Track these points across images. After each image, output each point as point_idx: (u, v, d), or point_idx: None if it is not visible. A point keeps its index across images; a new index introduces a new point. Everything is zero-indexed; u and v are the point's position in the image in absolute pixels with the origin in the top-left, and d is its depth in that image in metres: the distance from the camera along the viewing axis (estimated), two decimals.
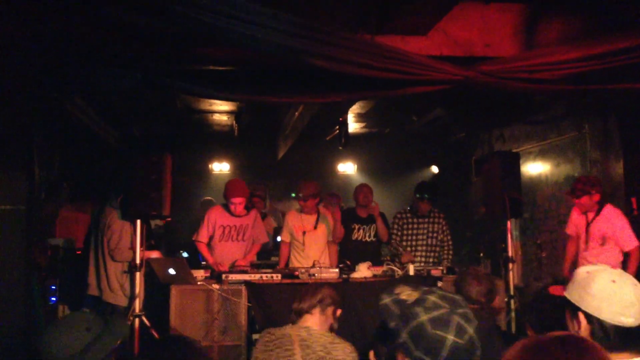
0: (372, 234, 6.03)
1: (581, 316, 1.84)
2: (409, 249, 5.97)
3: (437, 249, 6.07)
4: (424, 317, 1.42)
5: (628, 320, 1.75)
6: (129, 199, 4.57)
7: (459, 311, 1.46)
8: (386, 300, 1.54)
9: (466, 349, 1.42)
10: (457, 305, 1.47)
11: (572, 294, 1.89)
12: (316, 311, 2.98)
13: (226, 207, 5.48)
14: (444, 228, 6.10)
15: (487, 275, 3.57)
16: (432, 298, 1.48)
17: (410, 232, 6.04)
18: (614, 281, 1.80)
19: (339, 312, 3.09)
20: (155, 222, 6.52)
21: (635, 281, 1.82)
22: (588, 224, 5.24)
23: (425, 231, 6.04)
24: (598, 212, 5.18)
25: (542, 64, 4.00)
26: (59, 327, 1.95)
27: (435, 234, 6.05)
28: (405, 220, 6.07)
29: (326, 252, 5.79)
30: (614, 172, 5.95)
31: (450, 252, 6.12)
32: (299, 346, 2.77)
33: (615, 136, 5.95)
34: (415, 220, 6.06)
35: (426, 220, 6.05)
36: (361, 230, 6.01)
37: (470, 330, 1.43)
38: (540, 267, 7.02)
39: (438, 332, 1.41)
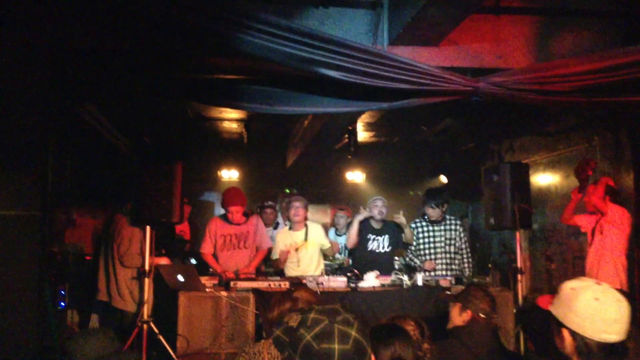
0: (386, 244, 5.99)
1: (565, 332, 1.87)
2: (427, 257, 5.88)
3: (458, 256, 5.94)
4: (308, 337, 1.44)
5: (610, 337, 1.78)
6: (139, 205, 4.60)
7: (338, 319, 1.47)
8: (276, 332, 1.56)
9: (354, 352, 1.44)
10: (335, 314, 1.49)
11: (557, 310, 1.91)
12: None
13: (224, 217, 5.54)
14: (461, 235, 5.99)
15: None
16: (311, 315, 1.49)
17: (427, 239, 5.95)
18: (597, 299, 1.81)
19: None
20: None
21: (619, 296, 1.84)
22: (597, 221, 5.42)
23: (443, 238, 5.91)
24: (605, 211, 5.33)
25: (553, 76, 4.00)
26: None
27: (452, 241, 5.92)
28: (421, 229, 6.00)
29: (321, 265, 5.84)
30: (624, 185, 5.92)
31: (469, 259, 6.00)
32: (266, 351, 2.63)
33: (626, 148, 5.93)
34: (430, 227, 5.98)
35: (442, 227, 5.95)
36: (375, 242, 5.98)
37: (353, 332, 1.45)
38: (549, 278, 6.99)
39: (323, 345, 1.42)
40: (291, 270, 5.74)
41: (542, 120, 7.10)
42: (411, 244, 5.98)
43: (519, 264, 5.40)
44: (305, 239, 5.77)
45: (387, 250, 5.96)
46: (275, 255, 5.79)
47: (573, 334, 1.84)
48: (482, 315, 3.19)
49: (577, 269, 6.32)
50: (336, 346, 1.42)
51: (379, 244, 5.95)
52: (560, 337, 1.90)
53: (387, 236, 5.96)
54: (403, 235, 5.92)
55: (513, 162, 5.72)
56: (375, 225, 6.01)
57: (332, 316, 1.48)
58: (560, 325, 1.88)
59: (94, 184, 7.16)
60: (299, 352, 1.43)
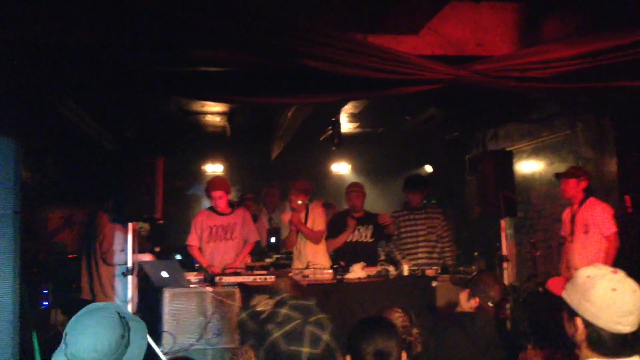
0: (369, 234, 5.98)
1: (578, 321, 1.82)
2: (410, 246, 5.90)
3: (439, 245, 5.94)
4: (276, 334, 1.39)
5: (625, 328, 1.74)
6: (121, 201, 4.54)
7: (311, 320, 1.41)
8: (242, 315, 1.50)
9: (323, 356, 1.38)
10: (309, 313, 1.43)
11: (571, 297, 1.85)
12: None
13: (211, 209, 5.48)
14: (443, 223, 6.00)
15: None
16: (283, 311, 1.43)
17: (409, 228, 5.95)
18: (614, 289, 1.76)
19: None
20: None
21: (636, 287, 1.79)
22: (573, 215, 5.30)
23: (425, 226, 5.92)
24: (582, 203, 5.25)
25: (534, 62, 3.99)
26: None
27: (433, 229, 5.93)
28: (402, 217, 6.01)
29: (322, 251, 5.80)
30: (608, 170, 5.95)
31: (451, 248, 6.02)
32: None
33: (610, 134, 5.95)
34: (411, 216, 5.98)
35: (423, 215, 5.96)
36: (357, 231, 5.97)
37: (325, 337, 1.40)
38: (534, 266, 7.02)
39: (292, 347, 1.37)
40: (295, 258, 5.75)
41: (526, 108, 7.11)
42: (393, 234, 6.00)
43: (504, 252, 5.41)
44: (305, 222, 5.74)
45: (370, 240, 5.96)
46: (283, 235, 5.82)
47: (586, 322, 1.79)
48: (490, 304, 3.17)
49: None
50: (306, 349, 1.36)
51: (361, 233, 5.95)
52: (571, 325, 1.85)
53: (370, 225, 5.96)
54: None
55: (497, 151, 5.73)
56: (356, 214, 6.00)
57: (305, 315, 1.42)
58: (574, 313, 1.83)
59: (76, 180, 7.07)
60: (264, 346, 1.39)
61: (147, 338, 1.98)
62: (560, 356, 2.04)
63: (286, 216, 5.85)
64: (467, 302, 3.23)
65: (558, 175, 5.50)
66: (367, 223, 6.00)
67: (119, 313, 1.93)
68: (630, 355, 1.75)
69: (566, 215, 5.46)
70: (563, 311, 1.89)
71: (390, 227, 5.97)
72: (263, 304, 1.47)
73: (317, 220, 5.79)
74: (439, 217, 6.00)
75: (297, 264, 5.66)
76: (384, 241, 6.32)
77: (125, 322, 1.94)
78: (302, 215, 5.73)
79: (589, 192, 5.29)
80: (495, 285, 3.25)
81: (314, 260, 5.46)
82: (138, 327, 1.98)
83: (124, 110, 7.06)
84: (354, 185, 6.28)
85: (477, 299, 3.18)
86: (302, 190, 5.72)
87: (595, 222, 5.12)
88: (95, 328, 1.84)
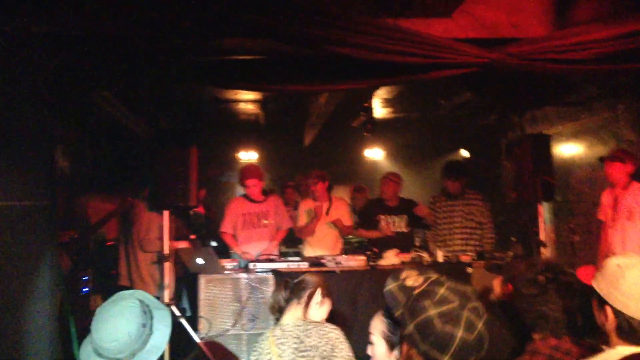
0: (404, 224, 5.92)
1: (608, 310, 1.82)
2: (445, 232, 5.80)
3: (478, 231, 5.77)
4: (432, 312, 1.38)
5: None
6: (156, 190, 4.62)
7: (469, 306, 1.41)
8: (391, 286, 1.50)
9: (475, 344, 1.38)
10: (467, 299, 1.43)
11: (601, 286, 1.86)
12: (293, 304, 2.81)
13: (245, 196, 5.53)
14: (482, 209, 5.81)
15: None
16: (441, 291, 1.43)
17: (445, 214, 5.83)
18: None
19: (321, 296, 2.87)
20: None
21: None
22: (616, 199, 5.10)
23: (461, 213, 5.76)
24: (626, 187, 5.02)
25: (571, 44, 3.86)
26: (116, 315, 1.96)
27: (471, 216, 5.77)
28: (439, 204, 5.88)
29: (339, 244, 5.84)
30: None
31: (491, 235, 5.84)
32: (274, 345, 2.63)
33: None
34: (449, 202, 5.84)
35: (460, 201, 5.81)
36: (390, 223, 5.91)
37: (480, 325, 1.39)
38: (573, 251, 6.86)
39: (447, 328, 1.37)
40: (306, 245, 5.76)
41: (564, 90, 6.90)
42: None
43: (541, 237, 5.30)
44: (327, 213, 5.77)
45: (405, 231, 5.91)
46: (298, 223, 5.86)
47: (616, 312, 1.80)
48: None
49: None
50: (460, 333, 1.37)
51: (394, 224, 5.90)
52: (601, 314, 1.87)
53: (404, 215, 5.91)
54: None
55: (534, 134, 5.59)
56: (390, 203, 5.95)
57: (464, 300, 1.43)
58: (603, 302, 1.84)
59: (113, 170, 7.22)
60: (417, 321, 1.39)
61: (170, 326, 2.03)
62: (570, 345, 2.02)
63: (305, 204, 5.89)
64: (500, 289, 3.18)
65: (602, 159, 5.29)
66: (402, 212, 5.94)
67: (143, 301, 1.98)
68: None
69: (606, 198, 5.25)
70: (593, 300, 1.89)
71: (428, 217, 5.91)
72: (413, 279, 1.49)
73: (344, 215, 5.83)
74: (478, 204, 5.82)
75: (309, 253, 5.72)
76: (421, 229, 6.25)
77: (148, 310, 1.98)
78: (325, 205, 5.76)
79: (634, 177, 5.09)
80: (529, 272, 3.18)
81: (329, 252, 5.54)
82: (162, 316, 2.02)
83: (158, 100, 7.16)
84: (389, 173, 6.22)
85: (510, 286, 3.13)
86: (318, 177, 5.80)
87: (638, 207, 4.92)
88: (116, 318, 1.90)
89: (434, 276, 1.52)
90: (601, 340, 1.88)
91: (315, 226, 5.74)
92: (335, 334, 2.68)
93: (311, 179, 5.84)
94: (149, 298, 2.06)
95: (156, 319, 2.00)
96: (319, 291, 2.87)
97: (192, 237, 5.70)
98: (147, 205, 4.93)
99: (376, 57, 3.71)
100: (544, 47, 3.89)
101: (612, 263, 1.87)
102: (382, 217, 5.92)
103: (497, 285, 3.25)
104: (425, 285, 1.46)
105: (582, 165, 6.97)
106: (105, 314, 1.94)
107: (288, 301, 2.82)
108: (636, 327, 1.76)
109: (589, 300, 1.91)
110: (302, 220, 5.85)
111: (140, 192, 5.02)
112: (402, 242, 5.64)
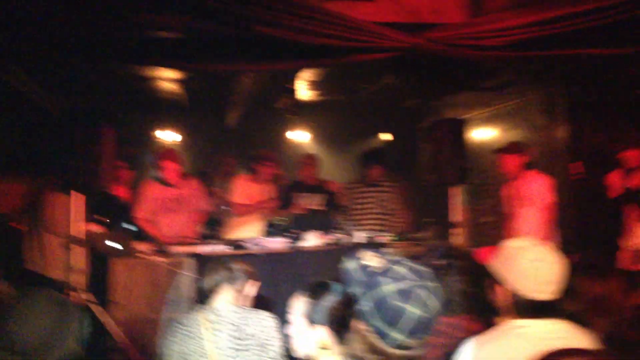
0: (317, 202, 6.00)
1: (500, 289, 1.96)
2: (358, 217, 5.95)
3: (389, 217, 6.01)
4: (390, 288, 1.42)
5: (541, 296, 1.87)
6: (68, 171, 4.39)
7: (426, 284, 1.45)
8: (349, 264, 1.52)
9: (427, 322, 1.42)
10: (424, 278, 1.47)
11: (496, 267, 1.97)
12: (223, 287, 2.74)
13: (160, 179, 5.34)
14: (395, 197, 6.07)
15: None
16: (400, 269, 1.47)
17: (358, 201, 6.02)
18: (536, 260, 1.88)
19: (252, 283, 2.85)
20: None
21: (557, 259, 1.91)
22: (513, 189, 5.36)
23: (374, 199, 5.98)
24: (521, 176, 5.28)
25: (489, 31, 4.00)
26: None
27: (384, 203, 6.00)
28: (355, 190, 6.06)
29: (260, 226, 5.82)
30: (560, 137, 6.07)
31: (402, 220, 6.07)
32: (209, 330, 2.56)
33: (561, 102, 6.07)
34: (364, 189, 6.04)
35: (376, 189, 6.02)
36: (308, 200, 5.97)
37: (436, 304, 1.44)
38: (484, 232, 7.19)
39: (402, 304, 1.40)
40: (227, 227, 5.76)
41: (481, 76, 7.15)
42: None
43: (457, 219, 5.50)
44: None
45: (323, 208, 5.98)
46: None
47: (508, 290, 1.92)
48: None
49: None
50: (415, 310, 1.40)
51: (312, 200, 5.96)
52: (493, 292, 1.98)
53: (319, 195, 5.98)
54: None
55: (450, 118, 5.77)
56: (306, 183, 6.01)
57: (421, 279, 1.46)
58: (497, 281, 1.96)
59: (21, 148, 6.79)
60: (374, 296, 1.43)
61: (86, 323, 1.96)
62: (468, 322, 2.16)
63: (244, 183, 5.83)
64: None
65: (496, 151, 5.49)
66: (317, 192, 6.01)
67: (55, 299, 1.90)
68: (549, 317, 1.88)
69: (506, 191, 5.52)
70: (486, 279, 2.01)
71: (341, 198, 6.01)
72: (373, 261, 1.49)
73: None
74: (391, 191, 6.04)
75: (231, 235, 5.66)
76: (335, 210, 6.34)
77: (63, 306, 1.91)
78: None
79: (529, 164, 5.32)
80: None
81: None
82: (74, 312, 1.95)
83: (71, 76, 6.78)
84: (304, 155, 6.29)
85: None
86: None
87: (532, 195, 5.17)
88: (27, 316, 1.81)
89: (394, 257, 1.56)
90: (496, 316, 1.99)
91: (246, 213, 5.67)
92: (271, 322, 2.67)
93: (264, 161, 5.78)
94: (57, 296, 1.97)
95: (69, 315, 1.92)
96: (251, 275, 2.84)
97: (104, 220, 5.44)
98: (56, 185, 4.68)
99: (299, 38, 3.69)
100: (463, 33, 4.00)
101: (509, 245, 1.99)
102: (298, 195, 5.99)
103: None
104: (385, 263, 1.50)
105: (494, 149, 7.26)
106: (16, 311, 1.84)
107: (218, 285, 2.74)
108: (526, 305, 1.88)
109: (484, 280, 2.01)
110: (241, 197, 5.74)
111: (49, 172, 4.75)
112: (321, 222, 5.70)
